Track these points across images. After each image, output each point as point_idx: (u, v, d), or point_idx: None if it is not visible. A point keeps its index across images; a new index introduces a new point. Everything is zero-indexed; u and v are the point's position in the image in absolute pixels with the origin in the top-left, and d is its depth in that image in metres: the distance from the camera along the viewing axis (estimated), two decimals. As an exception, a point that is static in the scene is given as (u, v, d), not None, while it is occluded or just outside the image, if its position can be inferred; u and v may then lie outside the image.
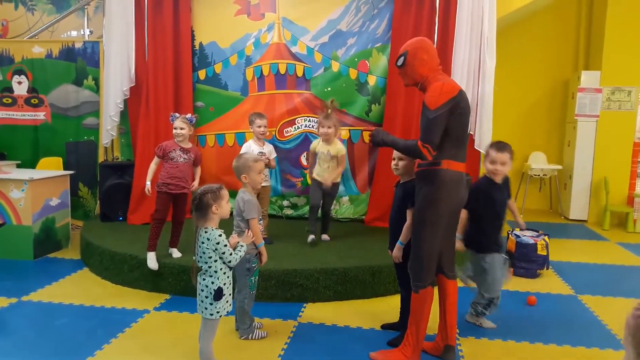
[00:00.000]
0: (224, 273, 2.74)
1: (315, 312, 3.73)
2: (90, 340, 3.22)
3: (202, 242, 2.70)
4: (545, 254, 4.63)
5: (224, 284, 2.74)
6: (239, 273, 3.21)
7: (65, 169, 5.80)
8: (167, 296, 3.99)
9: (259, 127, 4.56)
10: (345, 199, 5.59)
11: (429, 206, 2.82)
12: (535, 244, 4.61)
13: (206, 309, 2.72)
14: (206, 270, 2.72)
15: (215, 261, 2.70)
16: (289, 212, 5.64)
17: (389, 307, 3.78)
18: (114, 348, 3.14)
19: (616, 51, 6.79)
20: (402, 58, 2.89)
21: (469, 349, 3.21)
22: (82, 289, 4.15)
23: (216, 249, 2.68)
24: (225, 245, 2.70)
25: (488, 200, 3.40)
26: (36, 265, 4.76)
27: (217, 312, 2.72)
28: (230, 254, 2.71)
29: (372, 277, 4.00)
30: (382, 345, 3.21)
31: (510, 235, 4.83)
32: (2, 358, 3.00)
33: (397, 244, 3.17)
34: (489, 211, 3.42)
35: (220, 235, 2.69)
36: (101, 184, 5.46)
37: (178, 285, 4.00)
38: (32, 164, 5.88)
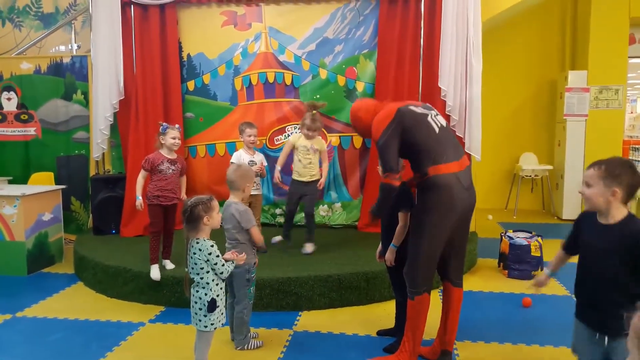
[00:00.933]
0: (217, 284, 2.74)
1: (311, 320, 3.73)
2: (86, 354, 3.21)
3: (194, 253, 2.70)
4: (539, 255, 4.64)
5: (217, 296, 2.74)
6: (238, 284, 3.20)
7: (56, 183, 5.78)
8: (162, 308, 3.97)
9: (249, 136, 4.57)
10: (338, 205, 5.59)
11: (426, 212, 2.80)
12: (529, 245, 4.62)
13: (200, 321, 2.72)
14: (198, 282, 2.72)
15: (207, 272, 2.70)
16: (281, 220, 5.64)
17: (384, 313, 3.78)
18: (109, 363, 3.13)
19: (602, 50, 6.86)
20: (357, 132, 3.19)
21: (466, 352, 3.22)
22: (77, 303, 4.13)
23: (208, 260, 2.69)
24: (217, 256, 2.70)
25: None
26: (30, 280, 4.73)
27: (212, 324, 2.72)
28: (222, 265, 2.72)
29: (366, 283, 4.00)
30: (379, 351, 3.21)
31: (503, 237, 4.85)
32: (-5, 377, 2.98)
33: (390, 247, 3.17)
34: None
35: (212, 246, 2.70)
36: (93, 198, 5.44)
37: (173, 297, 3.99)
38: (23, 180, 5.86)
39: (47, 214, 5.11)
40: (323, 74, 5.45)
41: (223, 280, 2.78)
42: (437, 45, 4.99)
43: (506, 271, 4.69)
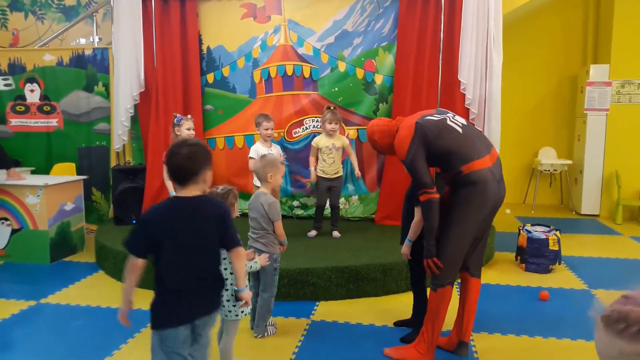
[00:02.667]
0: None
1: (328, 310, 3.76)
2: (108, 340, 3.28)
3: None
4: (557, 249, 4.62)
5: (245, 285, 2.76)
6: (266, 273, 3.25)
7: (78, 174, 5.88)
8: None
9: (266, 129, 4.61)
10: (355, 198, 5.61)
11: (459, 207, 2.82)
12: (547, 239, 4.60)
13: (230, 311, 2.73)
14: (224, 272, 2.71)
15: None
16: (299, 212, 5.68)
17: (401, 304, 3.80)
18: (131, 348, 3.20)
19: (625, 44, 6.75)
20: (374, 148, 3.17)
21: (483, 344, 3.23)
22: (98, 291, 4.21)
23: None
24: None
25: None
26: (53, 268, 4.84)
27: (242, 312, 2.73)
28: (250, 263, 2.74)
29: (383, 275, 4.02)
30: (395, 342, 3.23)
31: (521, 230, 4.82)
32: (22, 359, 3.06)
33: (406, 242, 3.19)
34: None
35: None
36: (114, 188, 5.53)
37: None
38: (46, 170, 5.98)
39: (69, 203, 5.21)
40: (342, 66, 5.45)
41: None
42: (457, 38, 4.96)
43: (524, 265, 4.67)
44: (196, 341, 2.24)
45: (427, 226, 2.86)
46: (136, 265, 2.12)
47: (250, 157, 4.58)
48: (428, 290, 3.12)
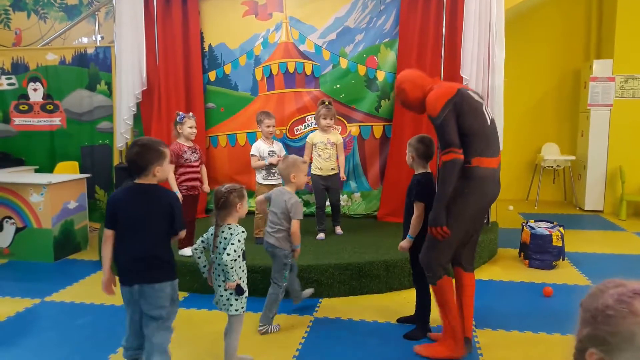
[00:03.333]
0: (242, 270, 2.80)
1: (331, 307, 3.76)
2: (112, 338, 3.29)
3: (225, 238, 2.75)
4: (560, 245, 4.61)
5: (243, 281, 2.79)
6: (277, 266, 3.36)
7: (81, 172, 5.90)
8: (185, 294, 4.05)
9: (268, 126, 4.58)
10: (357, 195, 5.61)
11: (456, 200, 2.82)
12: (550, 235, 4.59)
13: (231, 305, 2.77)
14: (222, 266, 2.73)
15: (235, 260, 2.72)
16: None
17: (404, 301, 3.80)
18: (135, 345, 3.20)
19: (628, 38, 6.72)
20: (399, 99, 3.10)
21: (486, 340, 3.22)
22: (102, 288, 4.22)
23: (238, 243, 2.72)
24: (243, 245, 2.75)
25: None
26: (57, 266, 4.86)
27: (242, 308, 2.79)
28: (239, 257, 2.74)
29: (386, 272, 4.02)
30: (399, 338, 3.24)
31: (524, 226, 4.81)
32: (27, 357, 3.08)
33: (407, 237, 3.19)
34: None
35: (243, 232, 2.76)
36: (117, 187, 5.54)
37: (196, 283, 4.06)
38: (49, 169, 6.00)
39: (73, 202, 5.22)
40: (343, 63, 5.44)
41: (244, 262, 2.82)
42: (460, 34, 4.94)
43: (527, 261, 4.66)
44: (145, 314, 2.57)
45: (442, 190, 2.77)
46: (107, 235, 2.55)
47: (252, 155, 4.58)
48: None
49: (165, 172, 2.60)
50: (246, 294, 2.82)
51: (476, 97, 2.88)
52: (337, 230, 4.83)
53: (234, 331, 2.82)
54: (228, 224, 2.78)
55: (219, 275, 2.80)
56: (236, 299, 2.76)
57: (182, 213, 2.60)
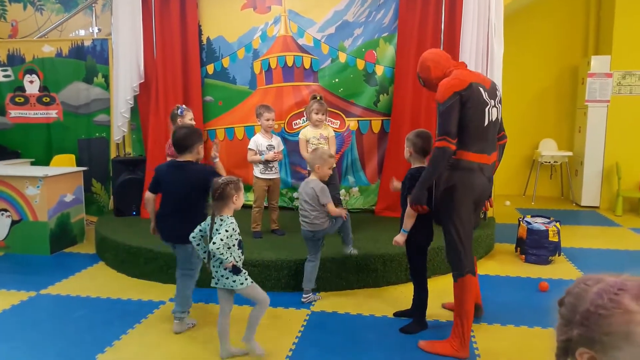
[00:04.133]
0: (239, 257, 2.88)
1: (328, 301, 3.77)
2: (108, 331, 3.29)
3: (216, 229, 2.82)
4: (556, 240, 4.62)
5: (237, 262, 2.87)
6: (314, 247, 3.71)
7: (78, 165, 5.88)
8: (182, 288, 4.04)
9: (267, 120, 4.57)
10: (355, 189, 5.61)
11: (447, 195, 2.92)
12: (547, 231, 4.60)
13: (234, 281, 2.88)
14: (215, 253, 2.78)
15: (229, 247, 2.80)
16: (298, 203, 5.67)
17: (401, 295, 3.81)
18: (132, 338, 3.21)
19: (626, 35, 6.72)
20: (419, 78, 3.18)
21: (482, 334, 3.24)
22: (99, 282, 4.22)
23: (232, 236, 2.79)
24: (232, 237, 2.79)
25: None
26: (53, 260, 4.85)
27: (246, 280, 2.91)
28: (229, 248, 2.79)
29: (383, 266, 4.03)
30: (395, 332, 3.25)
31: (521, 222, 4.82)
32: (24, 349, 3.08)
33: (401, 232, 3.19)
34: None
35: (232, 222, 2.83)
36: (114, 180, 5.53)
37: (192, 277, 4.05)
38: (45, 162, 5.98)
39: (69, 195, 5.21)
40: (342, 57, 5.43)
41: (241, 252, 2.89)
42: (458, 29, 4.93)
43: (523, 256, 4.68)
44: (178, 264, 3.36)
45: (428, 173, 2.89)
46: (149, 197, 3.32)
47: (250, 149, 4.56)
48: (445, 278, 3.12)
49: (202, 152, 3.32)
50: (244, 271, 2.93)
51: (484, 97, 2.89)
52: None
53: (256, 303, 2.95)
54: (221, 216, 2.84)
55: (217, 261, 2.86)
56: (234, 279, 2.87)
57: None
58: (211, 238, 2.79)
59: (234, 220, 2.84)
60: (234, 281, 2.88)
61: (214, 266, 2.90)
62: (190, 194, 3.15)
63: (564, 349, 0.96)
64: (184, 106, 4.25)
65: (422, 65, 3.11)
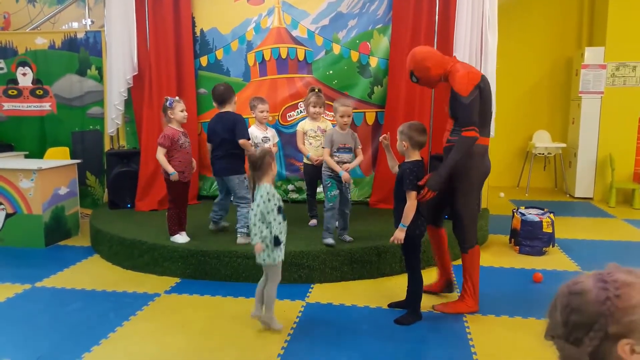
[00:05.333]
0: (279, 223, 3.03)
1: (323, 293, 3.78)
2: (103, 323, 3.30)
3: (261, 196, 3.00)
4: (550, 231, 4.64)
5: (280, 233, 3.04)
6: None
7: (72, 158, 5.86)
8: (178, 279, 4.05)
9: (262, 112, 4.56)
10: (350, 181, 5.60)
11: (463, 175, 3.22)
12: (541, 222, 4.62)
13: (268, 256, 3.04)
14: (258, 221, 2.99)
15: (269, 212, 2.98)
16: (294, 196, 5.68)
17: (395, 286, 3.82)
18: (127, 331, 3.22)
19: (620, 26, 6.73)
20: (413, 77, 3.36)
21: (476, 325, 3.26)
22: (94, 274, 4.22)
23: (259, 198, 3.00)
24: (270, 201, 3.00)
25: None
26: (47, 252, 4.84)
27: (279, 257, 3.07)
28: (262, 212, 2.99)
29: (377, 258, 4.04)
30: (390, 323, 3.27)
31: (515, 213, 4.85)
32: (19, 342, 3.08)
33: (400, 226, 3.20)
34: None
35: (267, 190, 3.01)
36: (108, 173, 5.51)
37: (188, 269, 4.06)
38: (39, 155, 5.95)
39: (64, 188, 5.19)
40: (336, 49, 5.41)
41: (284, 219, 3.08)
42: (453, 20, 4.92)
43: (517, 247, 4.70)
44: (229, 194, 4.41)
45: (453, 159, 3.12)
46: (208, 147, 4.41)
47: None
48: (452, 269, 3.15)
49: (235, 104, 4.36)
50: (283, 245, 3.08)
51: (490, 85, 3.30)
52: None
53: (273, 280, 3.12)
54: (264, 184, 3.03)
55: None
56: (272, 250, 3.02)
57: (244, 127, 4.23)
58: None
59: (269, 187, 3.01)
60: (268, 256, 3.03)
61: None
62: (226, 137, 4.13)
63: (597, 350, 0.92)
64: (174, 98, 4.21)
65: (420, 65, 3.26)
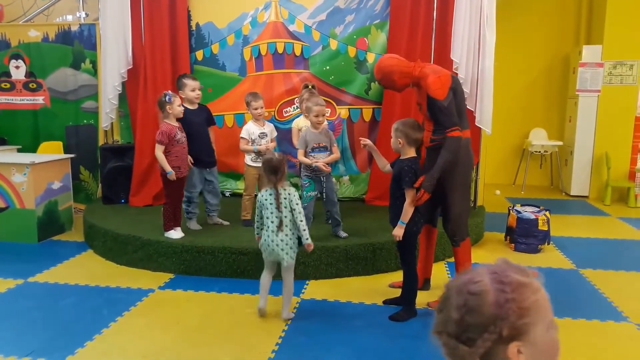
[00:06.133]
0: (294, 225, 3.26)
1: (318, 289, 3.77)
2: (97, 319, 3.27)
3: (285, 198, 3.20)
4: (546, 229, 4.64)
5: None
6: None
7: (65, 152, 5.80)
8: (172, 275, 4.02)
9: (256, 108, 4.49)
10: (346, 178, 5.59)
11: (451, 172, 3.24)
12: (537, 220, 4.62)
13: (290, 256, 3.23)
14: (287, 224, 3.20)
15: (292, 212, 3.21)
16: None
17: (390, 283, 3.81)
18: (121, 326, 3.19)
19: (618, 24, 6.72)
20: (379, 83, 3.50)
21: (471, 322, 3.24)
22: (87, 269, 4.19)
23: (297, 203, 3.22)
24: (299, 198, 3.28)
25: None
26: (40, 247, 4.80)
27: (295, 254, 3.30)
28: (299, 204, 3.24)
29: (372, 254, 4.03)
30: (385, 320, 3.25)
31: (511, 211, 4.84)
32: (11, 337, 3.05)
33: (399, 224, 3.18)
34: None
35: (296, 191, 3.29)
36: (102, 167, 5.47)
37: (182, 265, 4.04)
38: (32, 149, 5.89)
39: (57, 182, 5.14)
40: (333, 44, 5.38)
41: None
42: (450, 17, 4.89)
43: (513, 245, 4.70)
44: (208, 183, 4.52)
45: (447, 160, 3.18)
46: None
47: (242, 137, 4.51)
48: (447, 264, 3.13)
49: None
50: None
51: (460, 79, 3.41)
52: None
53: (291, 275, 3.29)
54: (284, 187, 3.23)
55: (287, 228, 3.22)
56: (295, 251, 3.27)
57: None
58: (277, 207, 3.18)
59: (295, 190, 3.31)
60: (289, 255, 3.22)
61: (286, 234, 3.21)
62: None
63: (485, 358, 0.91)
64: (171, 92, 4.17)
65: (386, 77, 3.36)
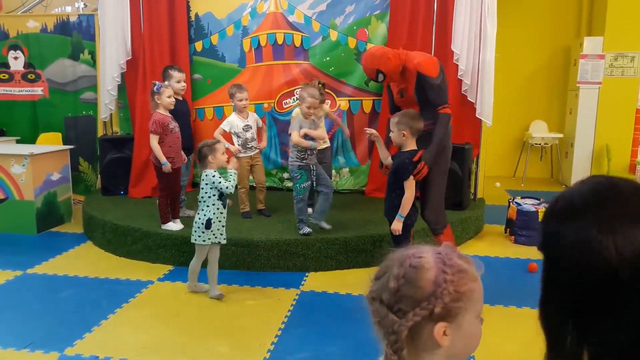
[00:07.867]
0: (217, 208, 3.34)
1: (317, 281, 3.76)
2: (96, 310, 3.27)
3: (201, 180, 3.36)
4: (546, 221, 4.63)
5: (214, 215, 3.32)
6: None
7: (64, 144, 5.78)
8: (171, 267, 4.02)
9: (240, 100, 4.42)
10: (346, 170, 5.57)
11: (440, 155, 3.32)
12: (537, 212, 4.61)
13: (199, 236, 3.33)
14: (200, 204, 3.35)
15: (210, 197, 3.31)
16: (289, 184, 5.64)
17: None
18: (120, 318, 3.19)
19: (619, 16, 6.67)
20: (381, 75, 3.41)
21: (470, 314, 3.24)
22: (86, 261, 4.18)
23: (213, 182, 3.29)
24: (219, 179, 3.30)
25: None
26: (40, 239, 4.79)
27: (208, 239, 3.35)
28: (223, 182, 3.29)
29: (372, 246, 4.02)
30: (384, 311, 3.24)
31: (511, 203, 4.83)
32: (10, 329, 3.04)
33: (397, 217, 3.17)
34: None
35: (213, 175, 3.32)
36: (101, 159, 5.45)
37: (181, 257, 4.03)
38: (31, 140, 5.87)
39: (56, 173, 5.13)
40: (333, 35, 5.34)
41: (224, 206, 3.38)
42: (451, 7, 4.86)
43: (513, 237, 4.70)
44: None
45: (438, 134, 3.26)
46: None
47: (222, 127, 4.43)
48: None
49: None
50: (215, 228, 3.35)
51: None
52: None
53: (197, 258, 3.42)
54: (205, 171, 3.35)
55: (198, 210, 3.42)
56: (203, 232, 3.32)
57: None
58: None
59: (215, 173, 3.33)
60: (199, 236, 3.34)
61: (197, 213, 3.41)
62: None
63: (410, 335, 0.92)
64: (160, 83, 4.11)
65: (382, 58, 3.35)
